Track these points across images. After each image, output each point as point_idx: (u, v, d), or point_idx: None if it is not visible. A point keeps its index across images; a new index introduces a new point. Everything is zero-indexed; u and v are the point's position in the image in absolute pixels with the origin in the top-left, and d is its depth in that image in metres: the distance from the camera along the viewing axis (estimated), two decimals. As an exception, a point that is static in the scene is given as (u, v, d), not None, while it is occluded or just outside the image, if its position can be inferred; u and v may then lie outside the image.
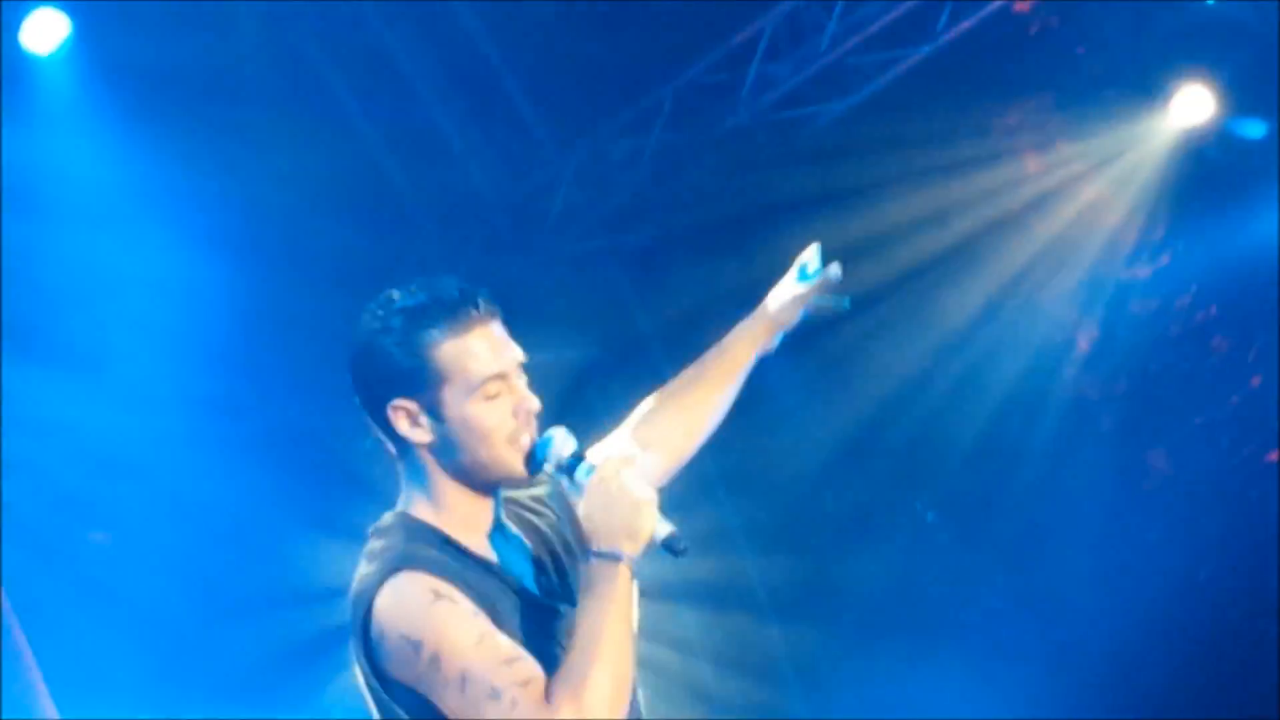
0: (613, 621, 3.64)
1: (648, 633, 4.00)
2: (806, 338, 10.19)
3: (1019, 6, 9.46)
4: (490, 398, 3.76)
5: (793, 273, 4.39)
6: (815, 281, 4.34)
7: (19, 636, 6.18)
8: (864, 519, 10.57)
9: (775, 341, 4.46)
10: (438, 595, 3.67)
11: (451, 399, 3.76)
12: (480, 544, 3.84)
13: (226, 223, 9.02)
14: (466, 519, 3.84)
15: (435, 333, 3.76)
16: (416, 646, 3.65)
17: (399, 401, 3.79)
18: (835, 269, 4.31)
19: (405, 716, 3.72)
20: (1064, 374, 10.20)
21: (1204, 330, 10.09)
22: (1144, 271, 10.02)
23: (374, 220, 9.49)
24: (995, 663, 10.19)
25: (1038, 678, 10.10)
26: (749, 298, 10.54)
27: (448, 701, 3.63)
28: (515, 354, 3.82)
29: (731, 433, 10.26)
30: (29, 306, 8.60)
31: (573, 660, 3.61)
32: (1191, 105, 9.32)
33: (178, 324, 9.00)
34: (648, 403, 4.28)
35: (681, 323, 10.35)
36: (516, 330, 3.84)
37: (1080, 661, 10.10)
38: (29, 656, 6.15)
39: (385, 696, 3.73)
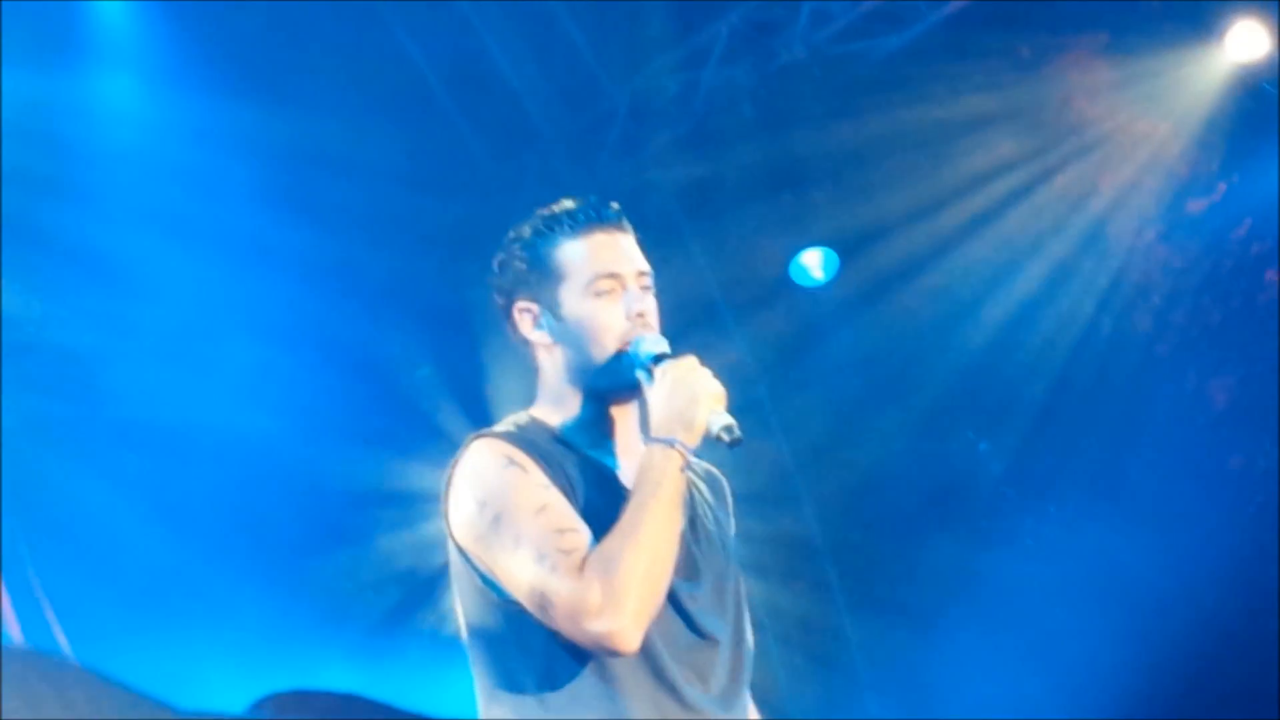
0: (658, 507, 3.71)
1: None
2: (864, 260, 10.29)
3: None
4: (601, 294, 3.91)
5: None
6: None
7: None
8: (916, 444, 10.63)
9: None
10: (510, 461, 3.80)
11: (568, 297, 3.91)
12: (593, 443, 3.96)
13: (286, 163, 9.09)
14: (584, 423, 3.95)
15: (559, 235, 3.95)
16: (482, 506, 3.77)
17: (523, 303, 3.97)
18: None
19: (480, 588, 3.82)
20: (1118, 307, 10.23)
21: (1258, 263, 10.11)
22: (1198, 205, 10.04)
23: (431, 154, 9.55)
24: (1043, 589, 10.27)
25: (1083, 599, 10.16)
26: (801, 231, 10.65)
27: (500, 562, 3.74)
28: (637, 263, 3.99)
29: (783, 354, 10.37)
30: (91, 249, 8.72)
31: (611, 539, 3.69)
32: (1246, 41, 9.32)
33: (241, 274, 9.11)
34: None
35: (736, 256, 10.44)
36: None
37: (1135, 581, 10.13)
38: None
39: (462, 568, 3.86)
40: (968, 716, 10.14)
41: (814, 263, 10.41)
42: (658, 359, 3.88)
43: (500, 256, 4.03)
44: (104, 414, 8.87)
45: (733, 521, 4.19)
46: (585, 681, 3.75)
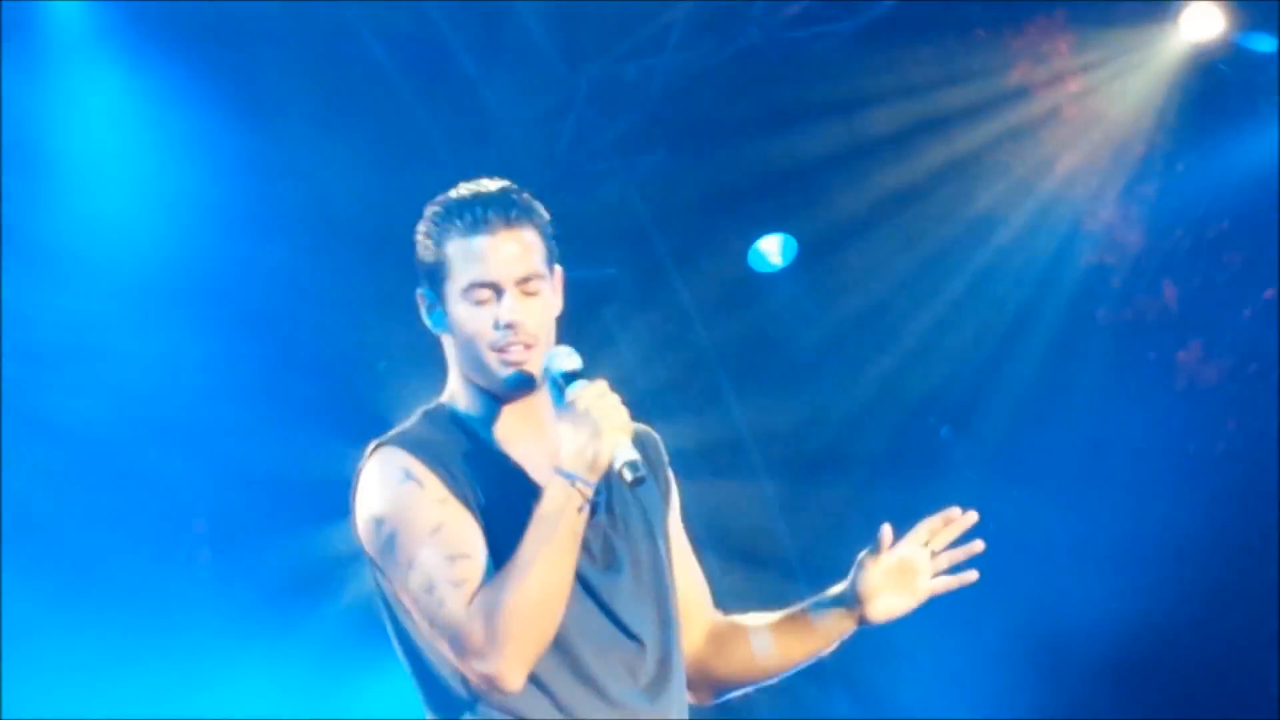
0: (550, 550, 3.63)
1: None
2: (822, 245, 10.28)
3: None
4: (478, 303, 3.82)
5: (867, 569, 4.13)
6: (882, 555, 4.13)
7: None
8: (877, 430, 10.63)
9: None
10: (408, 475, 3.74)
11: (451, 295, 3.84)
12: (497, 436, 3.88)
13: (240, 154, 9.04)
14: (486, 416, 3.88)
15: (452, 229, 3.84)
16: (379, 523, 3.74)
17: (421, 289, 3.90)
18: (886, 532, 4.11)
19: (393, 598, 3.79)
20: (1074, 289, 10.25)
21: (1216, 244, 10.14)
22: (1154, 187, 10.07)
23: (387, 144, 9.51)
24: (1007, 570, 10.28)
25: (1045, 581, 10.19)
26: (760, 217, 10.62)
27: (396, 581, 3.73)
28: (517, 269, 3.83)
29: (743, 341, 10.36)
30: (37, 255, 8.68)
31: (500, 577, 3.64)
32: (1201, 21, 9.33)
33: (196, 264, 9.07)
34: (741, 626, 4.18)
35: (695, 242, 10.41)
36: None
37: (1095, 567, 10.16)
38: None
39: (375, 580, 3.82)
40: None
41: (773, 249, 10.38)
42: (568, 376, 3.79)
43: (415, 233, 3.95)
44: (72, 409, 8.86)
45: (671, 483, 4.07)
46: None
